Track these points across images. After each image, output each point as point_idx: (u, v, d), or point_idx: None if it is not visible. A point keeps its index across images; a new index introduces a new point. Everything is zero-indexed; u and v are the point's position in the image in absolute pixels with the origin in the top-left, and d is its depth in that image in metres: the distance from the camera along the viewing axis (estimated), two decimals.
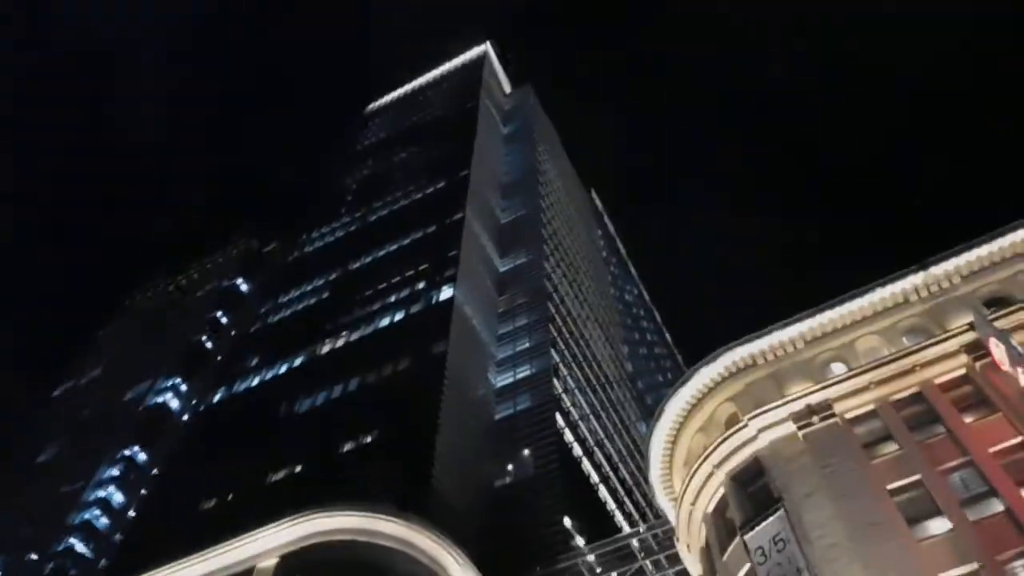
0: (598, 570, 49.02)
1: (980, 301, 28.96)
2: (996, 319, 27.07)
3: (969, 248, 30.70)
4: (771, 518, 26.54)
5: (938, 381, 28.05)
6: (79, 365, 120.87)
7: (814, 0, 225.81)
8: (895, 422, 27.61)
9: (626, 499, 68.47)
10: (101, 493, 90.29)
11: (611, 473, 68.37)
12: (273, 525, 37.30)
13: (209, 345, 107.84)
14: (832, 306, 31.72)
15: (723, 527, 29.56)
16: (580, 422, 66.94)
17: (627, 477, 72.50)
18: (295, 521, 36.75)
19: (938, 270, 30.41)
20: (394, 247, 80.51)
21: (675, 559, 48.05)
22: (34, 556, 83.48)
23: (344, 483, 49.51)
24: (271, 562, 36.43)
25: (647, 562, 48.77)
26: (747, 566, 26.84)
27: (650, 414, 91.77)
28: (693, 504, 31.30)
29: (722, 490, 29.89)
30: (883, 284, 31.13)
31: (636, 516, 67.37)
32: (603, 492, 64.10)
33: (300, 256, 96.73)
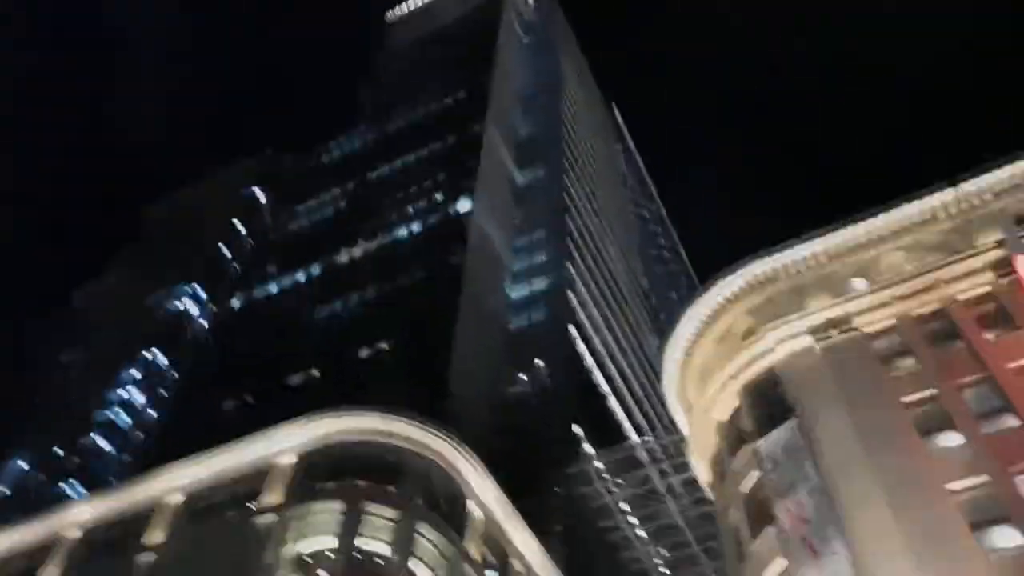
0: (606, 477, 49.93)
1: (1010, 219, 28.39)
2: None
3: (1001, 165, 29.97)
4: (784, 428, 26.70)
5: (961, 297, 27.73)
6: (96, 274, 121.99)
7: (814, 0, 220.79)
8: (915, 337, 27.46)
9: (636, 411, 69.23)
10: (122, 393, 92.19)
11: (622, 385, 68.97)
12: (292, 424, 37.96)
13: (228, 254, 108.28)
14: (857, 221, 31.25)
15: (735, 436, 29.79)
16: (594, 335, 67.21)
17: (638, 390, 73.14)
18: (314, 420, 37.35)
19: (969, 187, 29.76)
20: (412, 158, 79.71)
21: (681, 468, 48.85)
22: (59, 451, 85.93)
23: (361, 388, 50.06)
24: (290, 459, 37.16)
25: (654, 470, 49.60)
26: (757, 474, 27.10)
27: (664, 330, 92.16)
28: (706, 413, 31.51)
29: (736, 400, 30.04)
30: (911, 200, 30.56)
31: (645, 427, 68.22)
32: (613, 403, 64.82)
33: (318, 166, 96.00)
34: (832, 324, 28.89)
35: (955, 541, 21.67)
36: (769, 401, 28.53)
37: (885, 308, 28.73)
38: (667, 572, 53.45)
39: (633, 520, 51.34)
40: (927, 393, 25.45)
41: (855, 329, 28.55)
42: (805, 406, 26.69)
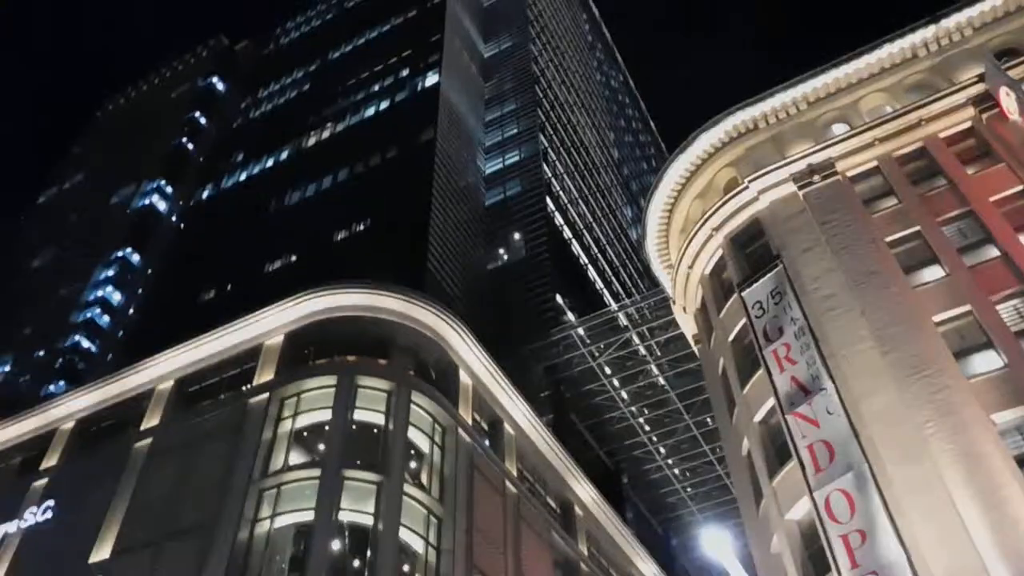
0: (589, 342, 50.72)
1: (991, 52, 27.97)
2: (1008, 68, 26.24)
3: None
4: (769, 274, 26.85)
5: (943, 135, 27.63)
6: (59, 175, 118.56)
7: None
8: (897, 177, 27.45)
9: (614, 279, 69.79)
10: (99, 293, 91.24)
11: (599, 255, 69.26)
12: (277, 305, 37.73)
13: (190, 146, 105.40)
14: (837, 65, 30.71)
15: (720, 287, 30.05)
16: (569, 206, 66.98)
17: (614, 259, 73.56)
18: (299, 300, 37.12)
19: (949, 22, 29.21)
20: (374, 34, 77.04)
21: (661, 329, 49.76)
22: (41, 352, 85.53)
23: (340, 270, 49.75)
24: (278, 339, 37.15)
25: (633, 332, 50.43)
26: (743, 321, 27.41)
27: (636, 199, 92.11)
28: (691, 268, 31.68)
29: (720, 252, 30.15)
30: (891, 39, 29.98)
31: (623, 294, 68.94)
32: (592, 272, 65.21)
33: (276, 50, 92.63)
34: (814, 170, 28.73)
35: (939, 370, 22.19)
36: (753, 250, 28.67)
37: (866, 151, 28.60)
38: (649, 429, 55.19)
39: (616, 382, 52.53)
40: (910, 231, 25.60)
41: (837, 173, 28.47)
42: (790, 251, 26.80)
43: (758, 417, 26.13)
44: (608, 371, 51.85)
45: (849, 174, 28.51)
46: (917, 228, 25.55)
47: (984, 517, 19.61)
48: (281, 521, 30.65)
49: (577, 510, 45.03)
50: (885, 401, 22.38)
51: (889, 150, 28.29)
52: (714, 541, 16.58)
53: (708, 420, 52.91)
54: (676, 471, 56.86)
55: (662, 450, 55.59)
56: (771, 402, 25.31)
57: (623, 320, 51.88)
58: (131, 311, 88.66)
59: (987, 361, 22.24)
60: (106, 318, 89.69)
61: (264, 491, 31.32)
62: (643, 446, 54.60)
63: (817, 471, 22.80)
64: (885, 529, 20.73)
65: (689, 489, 58.15)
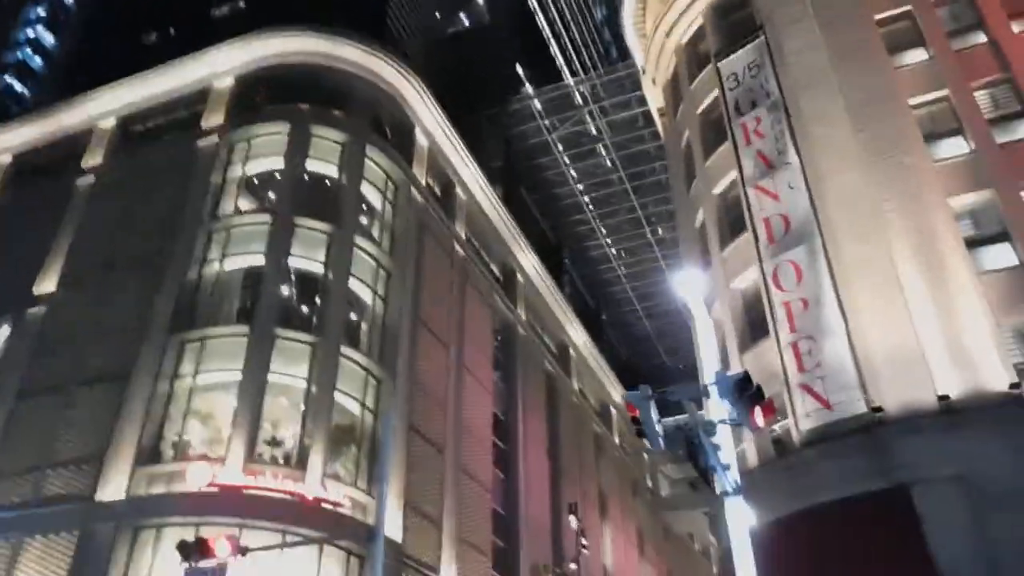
0: (544, 115, 49.13)
1: None
2: None
3: None
4: (749, 45, 25.39)
5: None
6: None
7: None
8: None
9: (575, 57, 66.87)
10: (30, 33, 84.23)
11: (563, 30, 65.85)
12: (226, 43, 34.86)
13: None
14: None
15: (695, 58, 28.45)
16: None
17: (578, 37, 70.16)
18: (251, 39, 34.29)
19: None
20: None
21: (617, 108, 48.30)
22: None
23: (294, 20, 46.09)
24: (227, 82, 34.60)
25: (591, 108, 48.91)
26: (715, 93, 26.20)
27: None
28: (667, 36, 29.79)
29: (700, 20, 28.25)
30: None
31: (582, 74, 66.40)
32: (554, 47, 62.22)
33: None
34: None
35: (907, 152, 21.62)
36: (736, 20, 26.85)
37: None
38: (593, 208, 55.02)
39: (567, 159, 51.57)
40: (901, 9, 24.06)
41: None
42: (774, 22, 25.12)
43: (717, 189, 25.60)
44: (560, 147, 50.68)
45: None
46: (908, 8, 24.01)
47: (927, 296, 19.80)
48: (231, 264, 29.82)
49: (519, 278, 45.34)
50: (849, 180, 21.90)
51: None
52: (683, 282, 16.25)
53: (649, 204, 52.92)
54: (614, 250, 57.47)
55: (603, 229, 55.79)
56: (733, 175, 24.74)
57: (579, 98, 50.12)
58: (66, 54, 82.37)
59: (955, 146, 21.75)
60: (39, 60, 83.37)
61: (214, 233, 30.21)
62: (586, 223, 54.63)
63: (770, 242, 22.70)
64: (829, 299, 20.96)
65: (624, 268, 59.13)
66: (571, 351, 51.62)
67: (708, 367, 12.91)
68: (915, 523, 17.22)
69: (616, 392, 58.36)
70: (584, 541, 31.95)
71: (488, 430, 37.28)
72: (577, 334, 51.85)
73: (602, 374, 55.90)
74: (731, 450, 12.92)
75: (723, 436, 12.46)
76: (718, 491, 11.69)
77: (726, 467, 11.37)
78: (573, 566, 31.67)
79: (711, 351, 13.75)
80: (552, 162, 50.42)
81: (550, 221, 53.58)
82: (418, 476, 30.02)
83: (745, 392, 10.14)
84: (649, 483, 63.25)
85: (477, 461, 35.39)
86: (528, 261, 45.73)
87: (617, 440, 57.61)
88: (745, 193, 23.65)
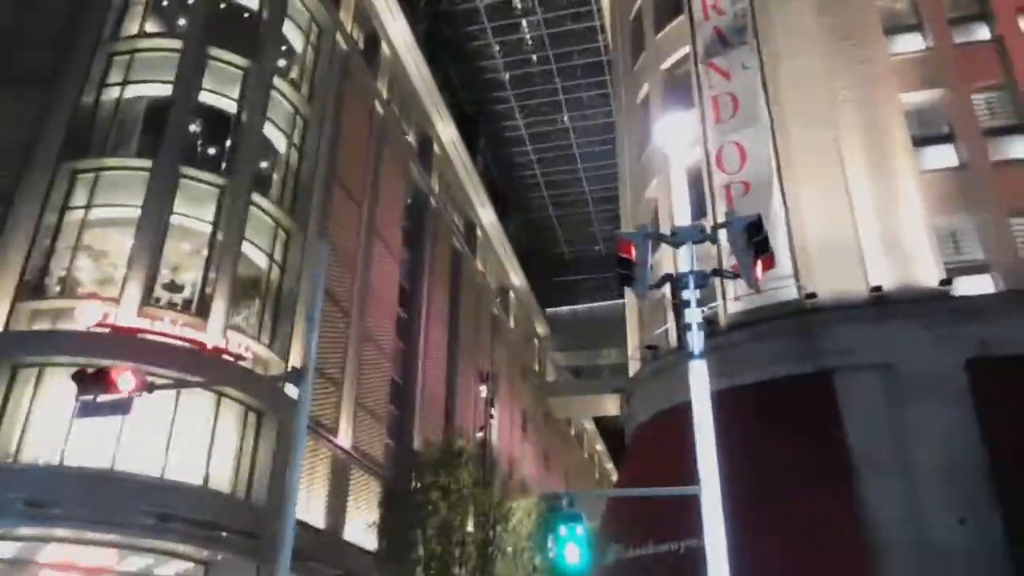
0: None
1: None
2: None
3: None
4: None
5: None
6: None
7: None
8: None
9: None
10: None
11: None
12: None
13: None
14: None
15: None
16: None
17: None
18: None
19: None
20: None
21: None
22: None
23: None
24: None
25: None
26: None
27: None
28: None
29: None
30: None
31: None
32: None
33: None
34: None
35: (866, 42, 20.94)
36: None
37: None
38: (511, 87, 52.95)
39: (492, 31, 49.00)
40: None
41: None
42: None
43: (666, 64, 24.43)
44: (485, 18, 47.94)
45: None
46: None
47: (869, 188, 19.52)
48: (132, 91, 26.75)
49: (435, 148, 43.38)
50: (805, 64, 21.11)
51: None
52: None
53: (570, 88, 51.31)
54: (528, 133, 55.83)
55: (519, 111, 53.91)
56: (685, 50, 23.56)
57: None
58: None
59: (912, 42, 21.19)
60: None
61: (114, 55, 26.93)
62: (504, 102, 52.59)
63: (717, 121, 21.85)
64: (771, 184, 20.43)
65: (535, 154, 57.75)
66: (478, 231, 50.51)
67: (681, 222, 11.97)
68: (834, 407, 17.31)
69: (516, 277, 57.93)
70: (492, 411, 31.64)
71: (394, 298, 36.08)
72: (486, 214, 50.65)
73: (505, 257, 55.18)
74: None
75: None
76: (694, 350, 10.85)
77: (701, 325, 10.60)
78: (479, 434, 31.43)
79: (684, 205, 12.76)
80: (479, 31, 47.72)
81: (469, 95, 51.28)
82: (323, 337, 28.62)
83: (754, 238, 9.27)
84: (537, 368, 64.02)
85: (380, 328, 34.25)
86: (446, 132, 43.72)
87: (512, 324, 57.57)
88: (696, 69, 22.56)
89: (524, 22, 47.95)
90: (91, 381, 13.12)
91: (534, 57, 49.96)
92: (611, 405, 70.54)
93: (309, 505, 26.71)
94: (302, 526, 25.55)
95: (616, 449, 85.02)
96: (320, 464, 27.96)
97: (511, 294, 57.81)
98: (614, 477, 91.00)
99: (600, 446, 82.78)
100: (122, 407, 12.90)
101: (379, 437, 32.85)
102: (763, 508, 15.31)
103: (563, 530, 10.36)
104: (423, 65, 39.78)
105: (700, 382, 11.01)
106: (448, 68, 47.45)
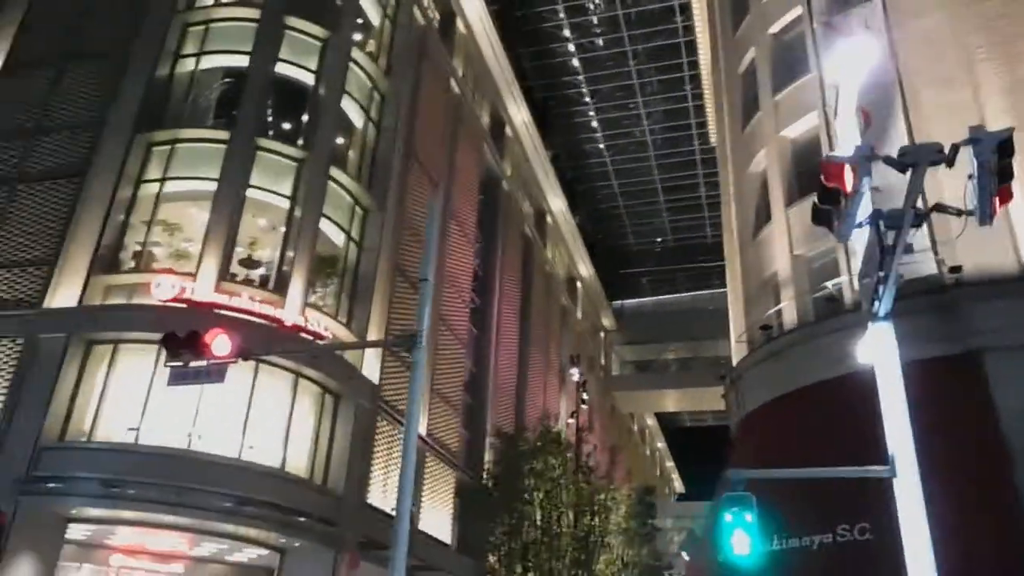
0: None
1: None
2: None
3: None
4: None
5: None
6: None
7: None
8: None
9: None
10: None
11: None
12: None
13: None
14: None
15: None
16: None
17: None
18: None
19: None
20: None
21: None
22: None
23: None
24: None
25: None
26: None
27: None
28: None
29: None
30: None
31: None
32: None
33: None
34: None
35: None
36: None
37: None
38: (582, 69, 51.19)
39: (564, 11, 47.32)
40: None
41: None
42: None
43: (775, 28, 22.60)
44: None
45: None
46: None
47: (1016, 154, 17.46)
48: (208, 62, 25.84)
49: (508, 131, 42.03)
50: (937, 20, 19.11)
51: None
52: None
53: (645, 72, 49.38)
54: (599, 119, 54.00)
55: (591, 97, 52.12)
56: (797, 11, 21.72)
57: None
58: None
59: None
60: None
61: (189, 26, 26.06)
62: (574, 86, 50.83)
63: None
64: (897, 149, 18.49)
65: (605, 141, 55.88)
66: (548, 218, 49.03)
67: (847, 149, 10.23)
68: (985, 389, 15.41)
69: (584, 267, 56.30)
70: (585, 396, 30.10)
71: (468, 283, 34.83)
72: (556, 201, 49.15)
73: (574, 246, 53.60)
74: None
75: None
76: (874, 310, 9.22)
77: (898, 278, 8.97)
78: (571, 421, 29.95)
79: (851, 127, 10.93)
80: (550, 12, 46.09)
81: (539, 79, 49.70)
82: (399, 318, 27.47)
83: (1004, 159, 7.61)
84: (603, 361, 62.33)
85: (455, 313, 32.99)
86: (519, 115, 42.33)
87: (580, 315, 55.97)
88: (813, 30, 20.74)
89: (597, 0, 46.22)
90: (182, 345, 11.97)
91: (604, 40, 48.10)
92: (672, 402, 68.76)
93: (386, 493, 25.54)
94: (381, 514, 24.46)
95: (677, 447, 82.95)
96: (396, 451, 26.76)
97: (579, 285, 56.19)
98: (675, 475, 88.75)
99: (661, 443, 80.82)
100: (217, 373, 11.73)
101: (454, 425, 31.59)
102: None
103: (729, 516, 8.80)
104: (498, 44, 38.46)
105: (887, 348, 9.35)
106: (519, 50, 45.94)
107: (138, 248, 23.26)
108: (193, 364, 12.02)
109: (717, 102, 28.11)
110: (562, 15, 46.03)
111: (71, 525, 20.26)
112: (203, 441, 20.60)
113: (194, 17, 26.06)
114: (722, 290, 62.12)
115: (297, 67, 25.83)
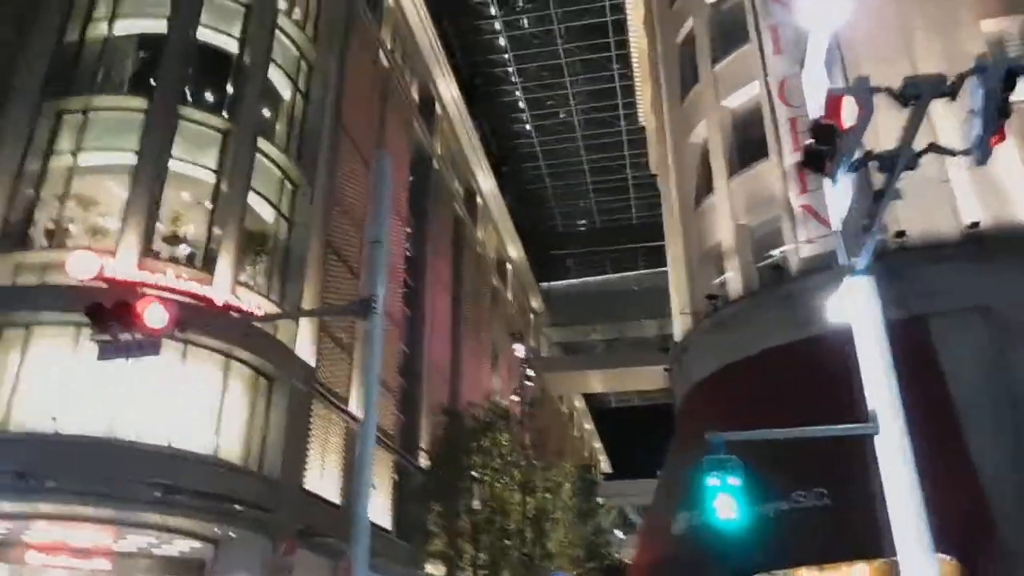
0: None
1: None
2: None
3: None
4: None
5: None
6: None
7: None
8: None
9: None
10: None
11: None
12: None
13: None
14: None
15: None
16: None
17: None
18: None
19: None
20: None
21: None
22: None
23: None
24: None
25: None
26: None
27: None
28: None
29: None
30: None
31: None
32: None
33: None
34: None
35: None
36: None
37: None
38: (510, 48, 50.69)
39: None
40: None
41: None
42: None
43: None
44: None
45: None
46: None
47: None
48: (123, 27, 24.22)
49: (437, 107, 41.16)
50: None
51: None
52: None
53: (574, 51, 49.15)
54: (524, 101, 53.61)
55: (518, 76, 51.64)
56: None
57: None
58: None
59: None
60: None
61: None
62: (503, 64, 50.28)
63: (776, 53, 19.90)
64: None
65: (532, 123, 55.57)
66: (478, 198, 48.39)
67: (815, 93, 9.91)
68: (932, 355, 15.57)
69: (514, 248, 55.93)
70: (530, 372, 29.67)
71: (400, 263, 33.99)
72: (486, 181, 48.56)
73: (503, 227, 53.14)
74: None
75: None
76: (850, 263, 9.02)
77: (881, 228, 8.75)
78: (515, 397, 29.49)
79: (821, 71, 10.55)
80: None
81: (466, 57, 48.92)
82: (332, 296, 26.51)
83: (1007, 92, 7.35)
84: (532, 343, 62.20)
85: (388, 294, 31.98)
86: (448, 91, 41.51)
87: (510, 297, 55.63)
88: (752, 2, 20.66)
89: None
90: (109, 316, 10.89)
91: (530, 19, 47.68)
92: (599, 383, 69.24)
93: (323, 479, 24.65)
94: (317, 500, 23.58)
95: (603, 428, 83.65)
96: (333, 436, 25.87)
97: (508, 266, 55.81)
98: (602, 456, 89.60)
99: (589, 425, 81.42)
100: (151, 345, 10.73)
101: (389, 408, 30.79)
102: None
103: (713, 479, 8.45)
104: (426, 16, 37.51)
105: (867, 303, 9.15)
106: (446, 26, 45.04)
107: (51, 225, 21.67)
108: (123, 337, 10.97)
109: (653, 75, 27.93)
110: None
111: None
112: (128, 428, 19.35)
113: None
114: (648, 271, 62.67)
115: (219, 32, 24.49)
